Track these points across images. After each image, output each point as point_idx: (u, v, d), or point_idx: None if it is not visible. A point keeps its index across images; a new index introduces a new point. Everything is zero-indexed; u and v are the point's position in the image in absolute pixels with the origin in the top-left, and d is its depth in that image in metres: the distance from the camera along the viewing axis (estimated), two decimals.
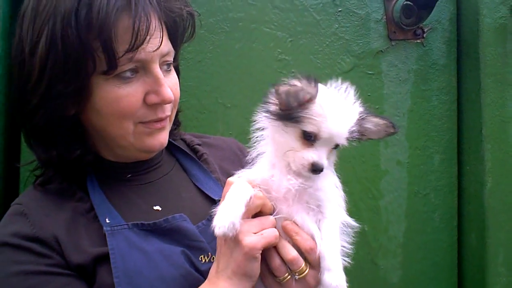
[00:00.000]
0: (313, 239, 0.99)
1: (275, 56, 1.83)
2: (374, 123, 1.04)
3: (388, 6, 1.88)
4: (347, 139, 0.99)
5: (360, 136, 1.03)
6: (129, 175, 1.19)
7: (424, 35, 1.90)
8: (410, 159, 1.88)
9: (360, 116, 1.01)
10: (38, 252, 1.03)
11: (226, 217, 0.91)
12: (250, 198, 0.96)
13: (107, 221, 1.08)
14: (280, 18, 1.83)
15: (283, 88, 0.96)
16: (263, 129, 1.05)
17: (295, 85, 0.97)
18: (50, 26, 0.98)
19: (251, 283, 0.98)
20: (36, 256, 1.03)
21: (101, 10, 0.96)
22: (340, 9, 1.86)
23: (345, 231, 1.05)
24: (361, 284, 1.82)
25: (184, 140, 1.37)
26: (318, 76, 1.81)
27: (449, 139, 1.90)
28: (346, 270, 1.80)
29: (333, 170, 1.08)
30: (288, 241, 1.00)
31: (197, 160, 1.31)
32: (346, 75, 1.86)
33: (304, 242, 0.98)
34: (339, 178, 1.10)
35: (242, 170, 1.05)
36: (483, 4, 1.79)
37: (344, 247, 1.02)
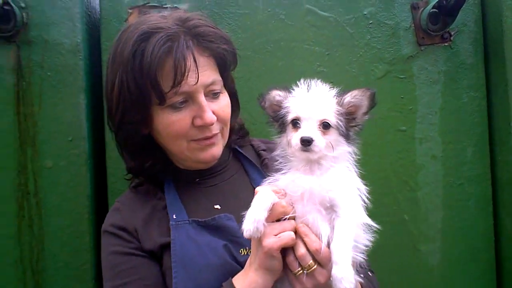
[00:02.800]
0: (320, 239, 1.11)
1: (314, 69, 2.03)
2: (351, 95, 1.16)
3: (415, 14, 2.04)
4: (338, 119, 1.12)
5: (352, 114, 1.16)
6: (197, 179, 1.47)
7: (452, 38, 2.05)
8: (444, 153, 2.04)
9: (338, 97, 1.15)
10: (125, 238, 1.36)
11: (251, 222, 1.09)
12: (272, 204, 1.11)
13: (174, 217, 1.35)
14: (316, 34, 2.03)
15: (265, 93, 1.24)
16: (279, 137, 1.26)
17: (268, 93, 1.24)
18: (120, 71, 1.28)
19: (273, 276, 1.18)
20: (123, 241, 1.36)
21: (148, 58, 1.23)
22: (371, 22, 2.05)
23: (364, 229, 1.13)
24: (404, 268, 2.00)
25: (252, 146, 1.63)
26: (354, 84, 2.04)
27: (480, 132, 2.05)
28: (390, 255, 2.00)
29: (350, 168, 1.18)
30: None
31: (257, 165, 1.54)
32: (379, 81, 2.05)
33: (311, 243, 1.12)
34: (365, 179, 1.21)
35: (271, 176, 1.21)
36: (506, 5, 1.93)
37: (360, 244, 1.11)
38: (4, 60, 1.88)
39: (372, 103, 1.17)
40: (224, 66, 1.40)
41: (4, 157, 1.87)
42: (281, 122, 1.21)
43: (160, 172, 1.46)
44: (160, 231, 1.36)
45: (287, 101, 1.20)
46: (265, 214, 1.11)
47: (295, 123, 1.16)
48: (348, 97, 1.16)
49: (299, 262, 1.14)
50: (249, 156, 1.57)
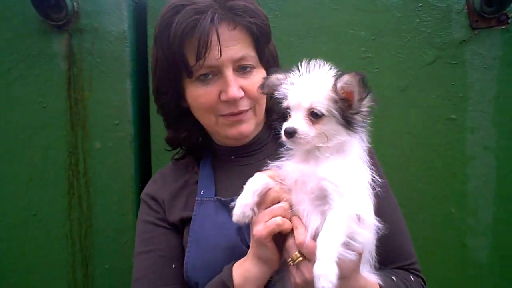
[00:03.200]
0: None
1: (359, 55, 1.98)
2: (343, 80, 1.02)
3: None
4: (331, 106, 1.01)
5: (348, 101, 1.02)
6: (233, 157, 1.45)
7: (509, 21, 1.91)
8: (498, 143, 1.92)
9: (333, 82, 1.03)
10: (152, 207, 1.41)
11: (239, 207, 1.06)
12: (264, 189, 1.06)
13: (202, 193, 1.37)
14: (362, 19, 1.97)
15: (266, 78, 1.17)
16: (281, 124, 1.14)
17: (268, 77, 1.16)
18: (155, 45, 1.36)
19: (268, 267, 1.11)
20: (151, 210, 1.41)
21: (173, 31, 1.25)
22: (420, 4, 1.95)
23: (364, 226, 1.00)
24: (450, 263, 1.92)
25: None
26: (401, 70, 1.96)
27: None
28: (435, 249, 1.93)
29: (355, 158, 1.07)
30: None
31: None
32: (429, 66, 1.96)
33: (298, 236, 1.04)
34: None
35: (274, 162, 1.14)
36: None
37: (356, 241, 0.98)
38: (57, 48, 1.98)
39: (363, 89, 1.02)
40: (258, 41, 1.34)
41: (57, 138, 1.98)
42: (279, 108, 1.14)
43: (199, 147, 1.48)
44: (185, 205, 1.38)
45: (283, 87, 1.11)
46: (254, 199, 1.06)
47: (288, 112, 1.09)
48: (340, 83, 1.03)
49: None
50: None
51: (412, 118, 1.97)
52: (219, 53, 1.25)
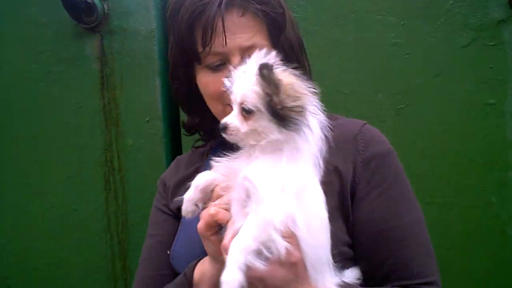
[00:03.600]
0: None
1: (388, 41, 1.91)
2: (258, 74, 0.94)
3: None
4: (259, 102, 0.94)
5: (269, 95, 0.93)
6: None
7: None
8: None
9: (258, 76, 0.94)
10: (161, 193, 1.43)
11: (184, 202, 1.05)
12: (205, 185, 1.02)
13: None
14: (390, 3, 1.89)
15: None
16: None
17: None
18: (169, 34, 1.35)
19: (220, 263, 0.97)
20: (159, 195, 1.44)
21: (182, 19, 1.21)
22: None
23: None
24: (491, 254, 1.84)
25: None
26: (434, 55, 1.88)
27: None
28: (475, 241, 1.84)
29: (293, 158, 0.96)
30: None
31: None
32: (464, 50, 1.85)
33: (225, 237, 0.96)
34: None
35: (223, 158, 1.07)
36: None
37: (270, 249, 0.89)
38: (90, 49, 2.06)
39: (268, 81, 0.92)
40: (272, 29, 1.28)
41: (93, 136, 2.07)
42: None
43: (214, 135, 1.42)
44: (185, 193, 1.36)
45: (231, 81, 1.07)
46: (197, 195, 1.03)
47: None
48: (257, 76, 0.95)
49: None
50: None
51: (446, 104, 1.88)
52: (224, 40, 1.20)
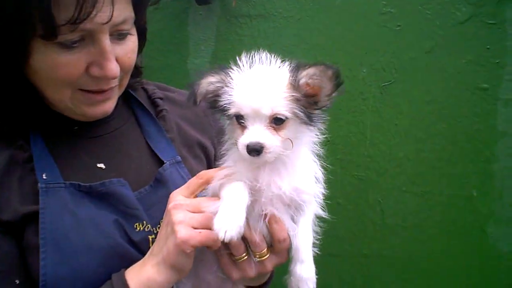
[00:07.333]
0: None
1: (379, 9, 1.74)
2: (307, 75, 0.88)
3: None
4: (294, 107, 0.88)
5: (313, 96, 0.90)
6: (76, 127, 1.12)
7: None
8: None
9: (292, 78, 0.89)
10: None
11: (233, 222, 0.86)
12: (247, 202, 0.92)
13: (44, 177, 1.01)
14: None
15: (195, 87, 0.94)
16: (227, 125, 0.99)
17: (197, 85, 0.93)
18: None
19: (178, 276, 0.94)
20: None
21: None
22: None
23: (314, 222, 1.01)
24: (467, 251, 1.75)
25: (146, 90, 1.29)
26: (427, 29, 1.70)
27: None
28: (452, 235, 1.74)
29: (309, 153, 0.98)
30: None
31: (154, 116, 1.22)
32: (461, 26, 1.70)
33: (280, 232, 0.95)
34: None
35: (226, 165, 0.98)
36: None
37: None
38: None
39: (336, 84, 0.88)
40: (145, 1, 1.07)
41: None
42: (224, 112, 0.93)
43: (32, 113, 1.09)
44: (23, 196, 1.01)
45: (225, 89, 0.91)
46: (245, 214, 0.89)
47: (239, 120, 0.91)
48: (304, 78, 0.88)
49: (247, 247, 0.97)
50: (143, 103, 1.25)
51: (436, 84, 1.73)
52: (111, 15, 0.93)
